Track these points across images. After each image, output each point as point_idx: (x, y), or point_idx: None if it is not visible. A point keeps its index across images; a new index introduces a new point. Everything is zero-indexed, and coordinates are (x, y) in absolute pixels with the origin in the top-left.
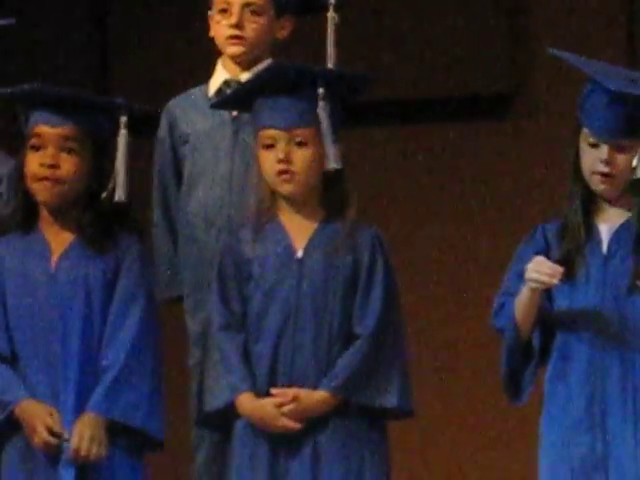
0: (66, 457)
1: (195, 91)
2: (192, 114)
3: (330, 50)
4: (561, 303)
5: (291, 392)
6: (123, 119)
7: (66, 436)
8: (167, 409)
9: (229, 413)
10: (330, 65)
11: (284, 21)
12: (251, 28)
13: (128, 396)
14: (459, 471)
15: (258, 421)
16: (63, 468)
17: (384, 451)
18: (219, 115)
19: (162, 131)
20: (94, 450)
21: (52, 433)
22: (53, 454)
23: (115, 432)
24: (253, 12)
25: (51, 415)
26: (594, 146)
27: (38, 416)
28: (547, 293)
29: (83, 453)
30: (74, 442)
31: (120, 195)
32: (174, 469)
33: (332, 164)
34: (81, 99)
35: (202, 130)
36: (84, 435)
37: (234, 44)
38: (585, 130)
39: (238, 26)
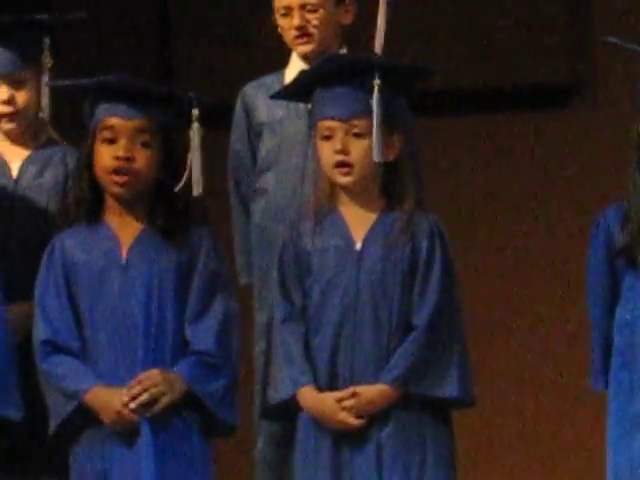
0: (144, 427)
1: (271, 79)
2: (268, 104)
3: (380, 36)
4: (626, 292)
5: (351, 388)
6: (195, 112)
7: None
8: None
9: (292, 406)
10: (378, 51)
11: (346, 6)
12: (314, 25)
13: (212, 377)
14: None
15: (319, 415)
16: (143, 447)
17: (448, 443)
18: (295, 106)
19: (237, 117)
20: (155, 391)
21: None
22: (128, 431)
23: (189, 410)
24: (312, 10)
25: (118, 395)
26: None
27: (111, 395)
28: (614, 282)
29: (144, 385)
30: (139, 375)
31: (198, 189)
32: (237, 456)
33: (375, 157)
34: (154, 92)
35: (277, 119)
36: (155, 377)
37: (301, 44)
38: None
39: (301, 27)
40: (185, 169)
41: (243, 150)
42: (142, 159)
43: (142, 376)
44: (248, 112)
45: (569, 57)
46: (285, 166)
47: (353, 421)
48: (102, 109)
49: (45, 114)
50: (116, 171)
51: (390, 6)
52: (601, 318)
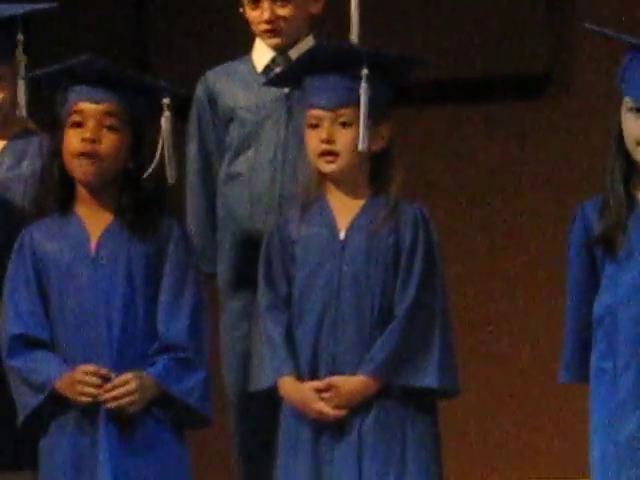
0: (105, 414)
1: (236, 65)
2: (237, 89)
3: (355, 25)
4: (606, 282)
5: (327, 379)
6: (166, 101)
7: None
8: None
9: (273, 394)
10: (354, 40)
11: None
12: (284, 19)
13: (188, 373)
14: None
15: (298, 405)
16: (103, 425)
17: (431, 433)
18: (269, 91)
19: (200, 104)
20: (129, 400)
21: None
22: (84, 416)
23: (160, 406)
24: (282, 3)
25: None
26: (638, 111)
27: (79, 370)
28: (593, 274)
29: (119, 392)
30: (114, 380)
31: (171, 177)
32: (212, 447)
33: (360, 146)
34: (125, 76)
35: (251, 106)
36: (129, 383)
37: (271, 37)
38: (627, 99)
39: (271, 21)
40: (154, 158)
41: (210, 136)
42: (108, 142)
43: (117, 381)
44: (213, 99)
45: (545, 46)
46: (262, 150)
47: (331, 412)
48: (72, 95)
49: (22, 110)
50: (81, 154)
51: None
52: (578, 310)
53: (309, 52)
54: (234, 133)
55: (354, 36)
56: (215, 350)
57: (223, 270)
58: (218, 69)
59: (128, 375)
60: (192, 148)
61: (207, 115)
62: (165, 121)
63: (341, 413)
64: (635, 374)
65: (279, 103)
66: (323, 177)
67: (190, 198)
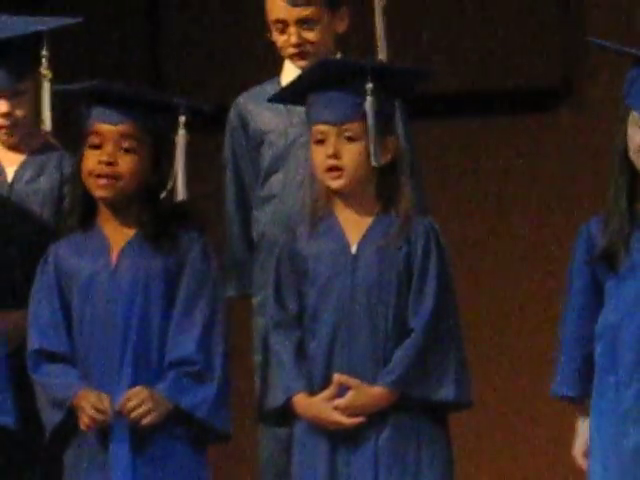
0: (118, 432)
1: (265, 87)
2: (266, 112)
3: (381, 40)
4: (609, 298)
5: (343, 379)
6: (182, 119)
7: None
8: (233, 406)
9: (288, 411)
10: (382, 56)
11: (341, 15)
12: (311, 41)
13: (197, 387)
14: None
15: (314, 419)
16: (115, 443)
17: (444, 446)
18: (297, 113)
19: (233, 126)
20: (142, 410)
21: (98, 410)
22: (101, 432)
23: (178, 422)
24: (310, 27)
25: (99, 396)
26: None
27: (86, 397)
28: (594, 290)
29: (131, 405)
30: (127, 393)
31: (181, 194)
32: (238, 467)
33: (373, 161)
34: (140, 97)
35: (279, 128)
36: (141, 394)
37: (299, 59)
38: (634, 113)
39: (299, 45)
40: (172, 174)
41: (244, 160)
42: (125, 164)
43: (129, 394)
44: (244, 122)
45: (556, 61)
46: (292, 172)
47: (347, 420)
48: (92, 115)
49: (46, 125)
50: (98, 175)
51: (385, 10)
52: (578, 325)
53: (313, 68)
54: (265, 156)
55: (381, 51)
56: (243, 369)
57: (258, 293)
58: (249, 92)
59: (137, 387)
60: (228, 174)
61: (240, 139)
62: (180, 139)
63: (357, 421)
64: (638, 388)
65: (304, 124)
66: (331, 193)
67: (227, 223)
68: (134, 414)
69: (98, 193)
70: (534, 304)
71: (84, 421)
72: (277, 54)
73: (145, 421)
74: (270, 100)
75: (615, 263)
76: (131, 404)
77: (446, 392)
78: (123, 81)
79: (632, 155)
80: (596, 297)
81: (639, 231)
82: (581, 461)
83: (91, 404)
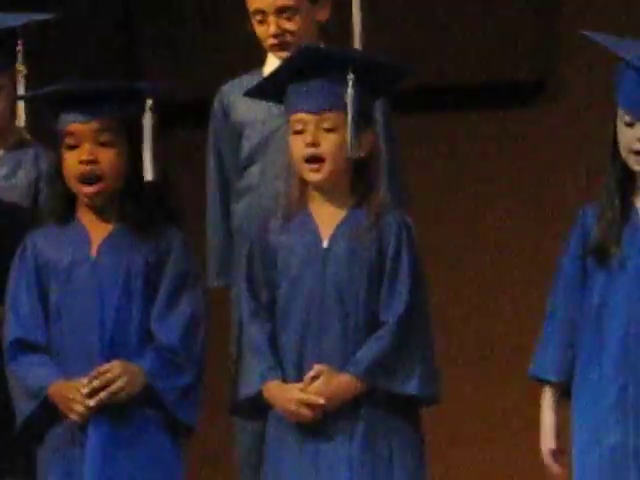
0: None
1: (248, 79)
2: (246, 103)
3: (357, 31)
4: (596, 291)
5: (317, 367)
6: (148, 102)
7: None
8: (207, 398)
9: (260, 401)
10: (358, 46)
11: (321, 3)
12: (291, 32)
13: (173, 374)
14: (491, 462)
15: (285, 406)
16: (92, 428)
17: (416, 441)
18: (276, 106)
19: (215, 115)
20: (116, 385)
21: (75, 401)
22: (75, 424)
23: (149, 404)
24: (289, 16)
25: (75, 386)
26: (630, 125)
27: (71, 387)
28: (584, 281)
29: (106, 373)
30: (100, 367)
31: (149, 173)
32: (214, 459)
33: (349, 152)
34: (105, 90)
35: (258, 120)
36: (114, 365)
37: (279, 50)
38: (620, 110)
39: (278, 35)
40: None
41: (226, 150)
42: (106, 159)
43: (102, 369)
44: (226, 112)
45: (537, 54)
46: (269, 164)
47: (313, 398)
48: (61, 117)
49: (21, 121)
50: (84, 178)
51: (362, 3)
52: (565, 310)
53: (294, 56)
54: (246, 146)
55: (356, 41)
56: (216, 359)
57: (236, 284)
58: (232, 82)
59: (113, 363)
60: (210, 162)
61: (222, 129)
62: (147, 121)
63: (323, 402)
64: (621, 385)
65: (286, 116)
66: (305, 186)
67: (208, 212)
68: (105, 394)
69: (85, 197)
70: (509, 295)
71: (74, 410)
72: (261, 46)
73: (121, 396)
74: (246, 94)
75: (606, 257)
76: (104, 379)
77: (411, 385)
78: (101, 77)
79: (622, 153)
80: (585, 284)
81: (633, 226)
82: (549, 460)
83: (78, 390)
